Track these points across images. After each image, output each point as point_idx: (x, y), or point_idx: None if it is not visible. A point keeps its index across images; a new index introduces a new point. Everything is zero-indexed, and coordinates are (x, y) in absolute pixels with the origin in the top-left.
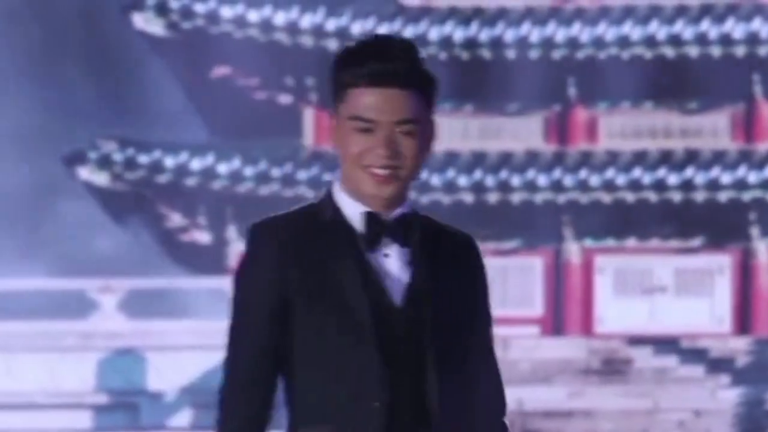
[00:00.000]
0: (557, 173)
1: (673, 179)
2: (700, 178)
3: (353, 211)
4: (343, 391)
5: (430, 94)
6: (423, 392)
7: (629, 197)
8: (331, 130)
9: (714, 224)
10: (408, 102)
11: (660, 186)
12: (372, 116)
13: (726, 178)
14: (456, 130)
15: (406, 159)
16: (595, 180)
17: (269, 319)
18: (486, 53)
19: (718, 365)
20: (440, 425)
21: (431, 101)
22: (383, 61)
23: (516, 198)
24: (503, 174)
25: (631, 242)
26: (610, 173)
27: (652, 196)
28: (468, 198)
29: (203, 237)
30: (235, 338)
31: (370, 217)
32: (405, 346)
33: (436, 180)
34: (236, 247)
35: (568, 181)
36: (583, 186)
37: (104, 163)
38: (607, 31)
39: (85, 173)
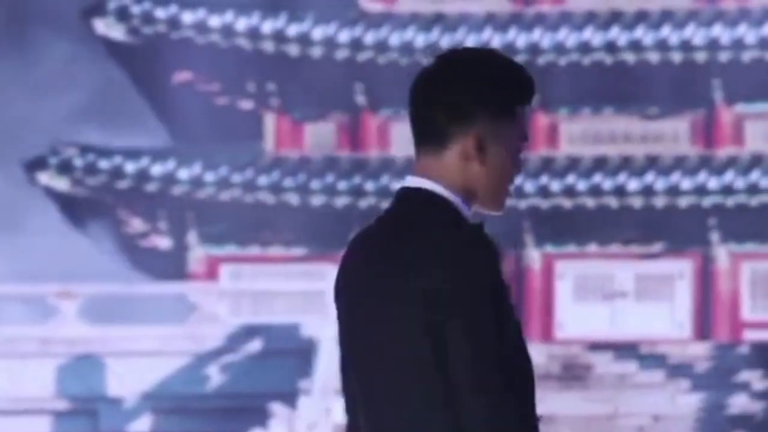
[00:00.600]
0: (517, 179)
1: (633, 185)
2: (660, 184)
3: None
4: (530, 406)
5: None
6: None
7: (590, 203)
8: (478, 146)
9: (674, 230)
10: None
11: (620, 191)
12: (529, 137)
13: (686, 184)
14: None
15: None
16: (555, 186)
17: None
18: None
19: (677, 370)
20: None
21: None
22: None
23: None
24: None
25: (592, 248)
26: (570, 179)
27: (612, 202)
28: None
29: (163, 242)
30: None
31: None
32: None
33: (397, 185)
34: (196, 253)
35: (529, 186)
36: (543, 192)
37: (65, 168)
38: (567, 36)
39: (45, 178)
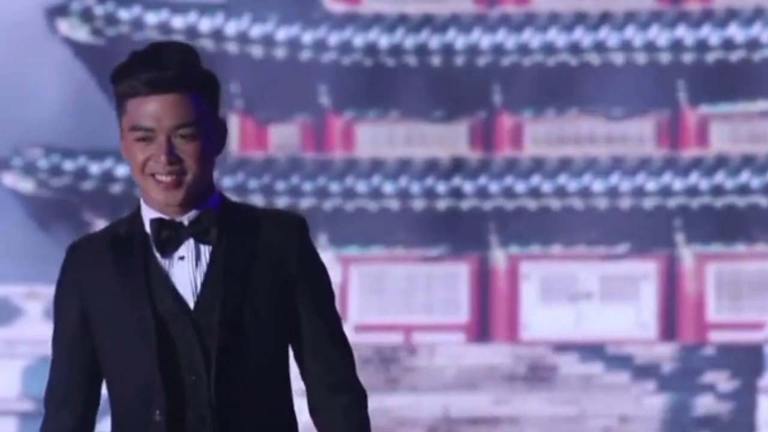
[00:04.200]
0: (483, 180)
1: (598, 186)
2: (625, 185)
3: (149, 219)
4: (129, 404)
5: (210, 94)
6: (204, 400)
7: (554, 204)
8: (121, 142)
9: (639, 231)
10: (184, 106)
11: (585, 193)
12: (149, 124)
13: (651, 185)
14: (382, 137)
15: (189, 162)
16: (520, 187)
17: (76, 338)
18: (411, 60)
19: (643, 371)
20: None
21: (214, 101)
22: (154, 68)
23: (442, 205)
24: (429, 181)
25: (557, 249)
26: (535, 180)
27: (577, 203)
28: (394, 205)
29: None
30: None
31: (159, 223)
32: (192, 351)
33: (362, 187)
34: None
35: (494, 188)
36: (508, 193)
37: (29, 170)
38: (532, 37)
39: (9, 180)
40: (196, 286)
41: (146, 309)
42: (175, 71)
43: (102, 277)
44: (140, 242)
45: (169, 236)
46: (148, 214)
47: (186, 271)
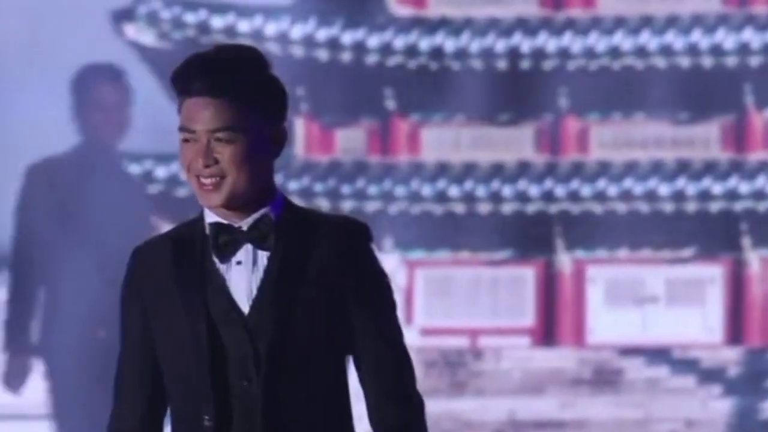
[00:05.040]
0: (548, 184)
1: (664, 189)
2: (691, 189)
3: (209, 222)
4: (182, 409)
5: (263, 101)
6: (254, 406)
7: (621, 208)
8: None
9: (705, 234)
10: (223, 110)
11: (651, 196)
12: (190, 126)
13: (717, 189)
14: (447, 141)
15: (227, 166)
16: (586, 190)
17: (140, 343)
18: (477, 63)
19: (709, 376)
20: None
21: (267, 108)
22: (202, 72)
23: (507, 208)
24: (495, 184)
25: (623, 252)
26: (601, 184)
27: (643, 207)
28: (459, 208)
29: None
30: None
31: (218, 227)
32: (244, 356)
33: (427, 190)
34: None
35: (560, 191)
36: (574, 196)
37: None
38: (598, 41)
39: None
40: (251, 292)
41: (200, 314)
42: (220, 76)
43: (161, 281)
44: (199, 246)
45: (226, 241)
46: (209, 217)
47: (243, 276)
